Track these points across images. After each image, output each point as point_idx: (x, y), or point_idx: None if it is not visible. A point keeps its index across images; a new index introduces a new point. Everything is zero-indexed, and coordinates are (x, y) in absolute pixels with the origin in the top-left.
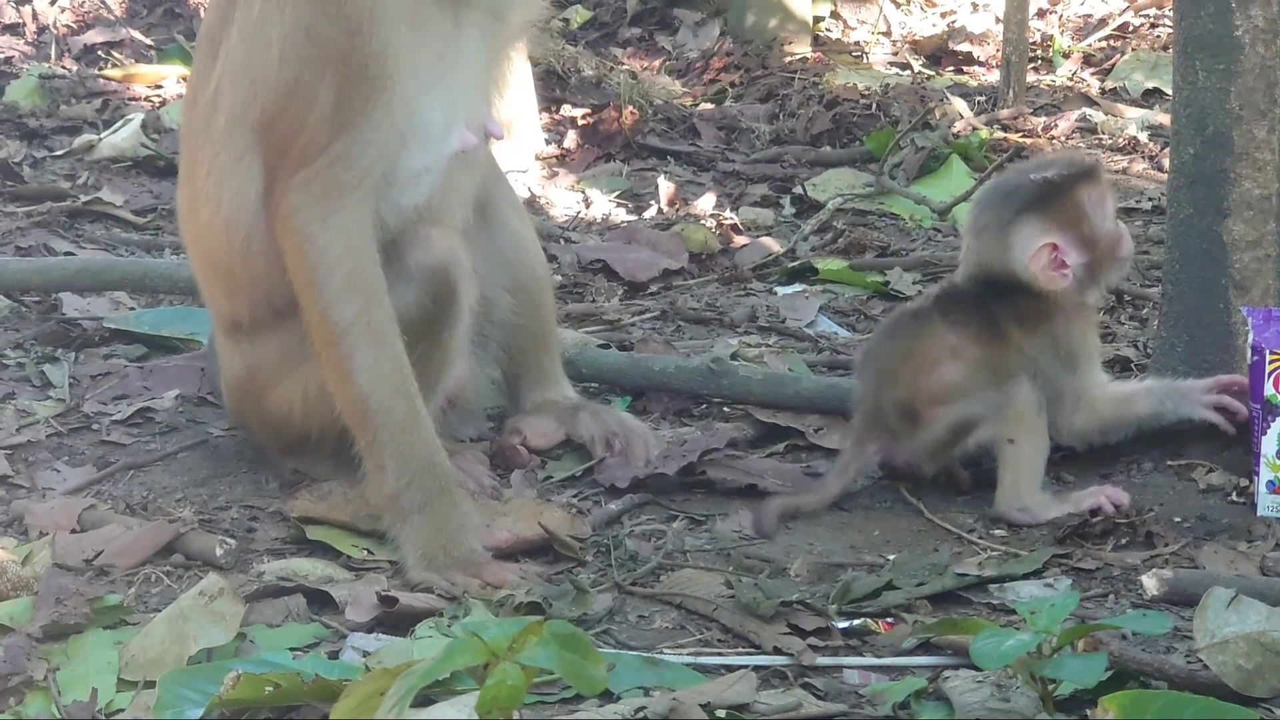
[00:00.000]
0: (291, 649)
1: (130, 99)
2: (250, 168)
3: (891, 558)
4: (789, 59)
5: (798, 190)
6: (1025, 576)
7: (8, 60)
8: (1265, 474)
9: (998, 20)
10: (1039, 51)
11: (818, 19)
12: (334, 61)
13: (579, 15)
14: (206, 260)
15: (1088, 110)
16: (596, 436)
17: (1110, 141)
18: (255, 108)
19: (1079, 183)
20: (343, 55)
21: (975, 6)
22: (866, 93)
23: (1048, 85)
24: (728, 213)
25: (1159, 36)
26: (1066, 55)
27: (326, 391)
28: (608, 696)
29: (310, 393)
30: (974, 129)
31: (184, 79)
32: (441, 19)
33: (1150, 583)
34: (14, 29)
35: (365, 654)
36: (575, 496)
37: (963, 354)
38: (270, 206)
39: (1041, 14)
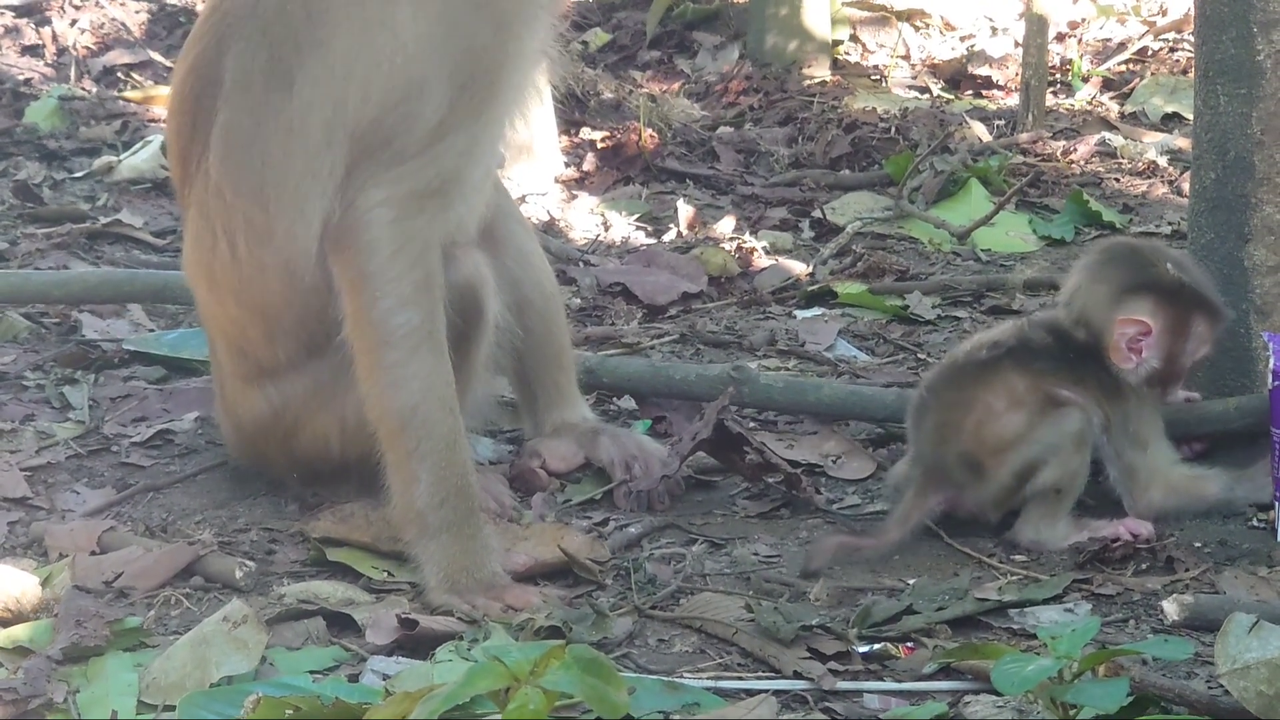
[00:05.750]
0: (311, 672)
1: (150, 120)
2: (326, 187)
3: (911, 582)
4: (808, 82)
5: (817, 214)
6: (1045, 601)
7: (27, 82)
8: None
9: (1017, 44)
10: (1058, 75)
11: (837, 42)
12: (469, 60)
13: (598, 38)
14: (251, 307)
15: (1107, 134)
16: (616, 460)
17: (1130, 165)
18: (369, 107)
19: (1205, 311)
20: (477, 54)
21: (994, 30)
22: (885, 116)
23: (1067, 109)
24: (747, 236)
25: (1178, 61)
26: (1086, 79)
27: (365, 419)
28: None
29: (349, 423)
30: (993, 152)
31: None
32: (547, 37)
33: (1171, 608)
34: (34, 50)
35: (385, 677)
36: (595, 520)
37: (1028, 403)
38: (343, 202)
39: (1061, 38)
